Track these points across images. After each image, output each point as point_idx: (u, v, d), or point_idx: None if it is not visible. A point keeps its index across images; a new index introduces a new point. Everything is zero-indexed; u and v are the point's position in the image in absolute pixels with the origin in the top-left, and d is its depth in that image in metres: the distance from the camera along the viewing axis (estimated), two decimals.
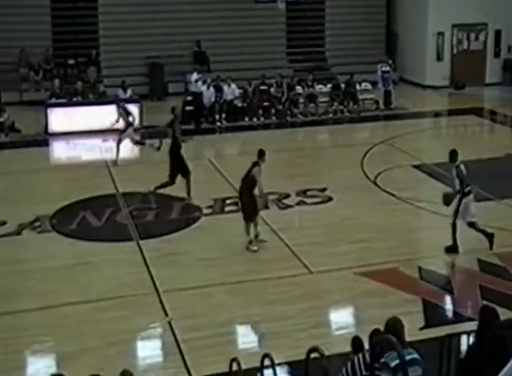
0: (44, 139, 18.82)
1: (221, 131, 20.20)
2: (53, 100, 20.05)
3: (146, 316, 9.62)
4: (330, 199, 14.02)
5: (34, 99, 21.67)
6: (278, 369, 7.09)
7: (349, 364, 6.10)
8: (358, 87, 22.53)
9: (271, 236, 12.12)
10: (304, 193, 14.32)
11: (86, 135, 18.54)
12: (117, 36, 23.88)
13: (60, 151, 18.73)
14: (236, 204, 13.74)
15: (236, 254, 11.45)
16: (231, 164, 16.53)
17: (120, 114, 16.54)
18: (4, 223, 12.68)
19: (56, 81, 21.28)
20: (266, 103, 21.30)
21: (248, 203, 11.66)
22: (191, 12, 24.37)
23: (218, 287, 10.39)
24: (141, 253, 11.58)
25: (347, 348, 6.58)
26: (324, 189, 14.47)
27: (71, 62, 23.81)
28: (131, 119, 16.48)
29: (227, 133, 20.17)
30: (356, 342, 6.43)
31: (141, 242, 11.99)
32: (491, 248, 11.34)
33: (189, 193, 13.66)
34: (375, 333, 6.16)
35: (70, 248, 11.98)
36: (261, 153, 11.68)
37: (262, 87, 21.45)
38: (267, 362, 6.97)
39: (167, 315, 9.55)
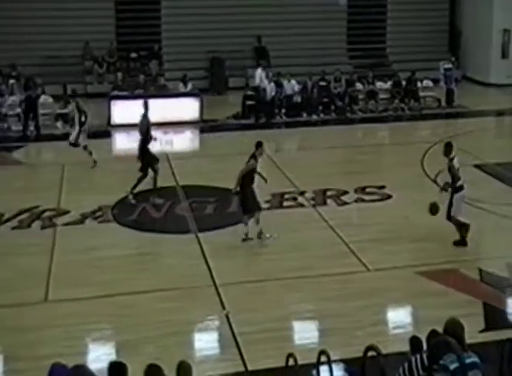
0: (106, 130, 19.20)
1: (280, 127, 20.24)
2: (116, 93, 20.42)
3: (204, 308, 9.74)
4: (389, 197, 13.92)
5: (98, 91, 22.16)
6: (334, 366, 7.12)
7: (406, 364, 6.08)
8: (419, 84, 22.24)
9: (328, 233, 12.13)
10: (362, 190, 14.25)
11: None
12: (179, 30, 24.13)
13: (122, 143, 19.09)
14: (294, 199, 13.83)
15: (293, 250, 11.47)
16: (289, 160, 16.59)
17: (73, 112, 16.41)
18: (68, 212, 13.02)
19: (119, 74, 21.67)
20: (325, 99, 21.26)
21: (246, 197, 11.63)
22: (252, 7, 24.43)
23: (275, 281, 10.44)
24: (199, 245, 11.73)
25: (405, 348, 6.56)
26: (383, 187, 14.37)
27: (134, 55, 24.17)
28: (83, 119, 16.21)
29: (286, 128, 20.20)
30: (414, 342, 6.40)
31: (199, 234, 12.14)
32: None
33: (134, 187, 13.51)
34: (433, 334, 6.12)
35: (130, 239, 12.23)
36: (258, 145, 11.72)
37: (322, 83, 21.40)
38: (323, 358, 7.04)
39: (224, 308, 9.66)
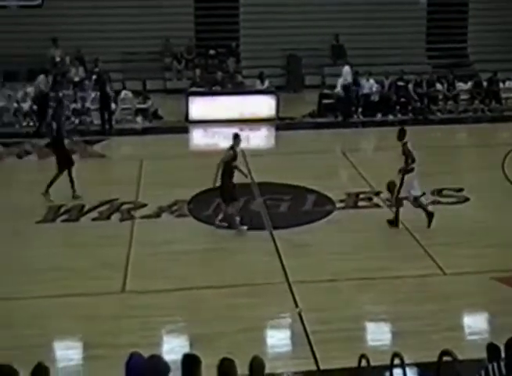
0: (184, 126, 19.49)
1: (356, 126, 20.09)
2: (194, 89, 20.73)
3: (276, 305, 9.77)
4: (467, 199, 13.64)
5: (176, 88, 22.52)
6: (407, 369, 7.03)
7: (483, 372, 5.94)
8: (501, 85, 21.68)
9: (403, 235, 11.98)
10: (439, 192, 14.01)
11: (224, 123, 19.00)
12: (256, 28, 24.24)
13: (199, 138, 19.35)
14: (369, 199, 13.72)
15: (367, 250, 11.39)
16: (365, 160, 16.45)
17: None
18: (145, 205, 13.29)
19: (197, 71, 21.99)
20: (403, 99, 20.97)
21: (226, 187, 12.05)
22: (330, 6, 24.33)
23: (348, 281, 10.38)
24: (273, 242, 11.77)
25: (481, 355, 6.41)
26: (461, 190, 14.09)
27: (212, 52, 24.43)
28: None
29: (363, 127, 20.05)
30: (492, 349, 6.25)
31: (274, 231, 12.19)
32: (428, 226, 12.06)
33: (72, 185, 13.57)
34: None
35: (205, 233, 12.37)
36: (235, 137, 12.39)
37: (400, 82, 21.11)
38: (396, 361, 6.96)
39: (297, 306, 9.67)
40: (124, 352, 6.06)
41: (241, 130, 18.52)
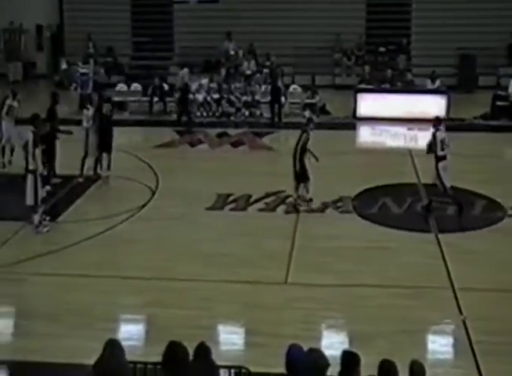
0: (351, 122, 19.46)
1: None
2: (362, 86, 20.63)
3: (439, 310, 9.53)
4: None
5: (345, 84, 22.52)
6: None
7: None
8: None
9: None
10: None
11: (392, 122, 18.76)
12: (429, 25, 23.72)
13: (366, 136, 19.25)
14: None
15: None
16: None
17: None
18: (310, 200, 13.44)
19: (367, 68, 21.87)
20: None
21: (305, 167, 13.02)
22: (508, 2, 23.27)
23: None
24: (439, 246, 11.49)
25: None
26: None
27: (382, 49, 24.23)
28: None
29: None
30: None
31: (439, 235, 11.90)
32: None
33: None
34: None
35: (368, 231, 12.30)
36: (309, 120, 13.58)
37: None
38: None
39: (461, 313, 9.38)
40: (283, 342, 6.19)
41: (409, 129, 18.34)
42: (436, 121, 13.01)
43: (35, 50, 26.06)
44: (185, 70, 20.12)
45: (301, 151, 12.97)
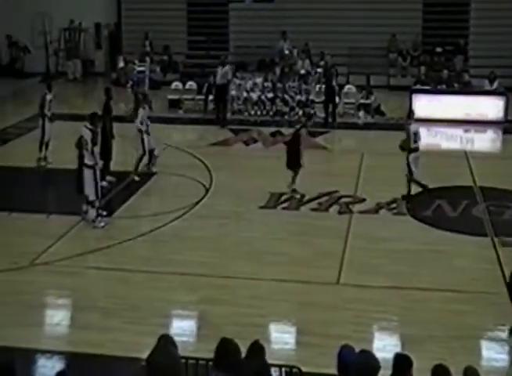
0: (406, 123, 19.15)
1: None
2: (418, 87, 20.38)
3: (495, 317, 9.35)
4: None
5: (400, 85, 22.29)
6: None
7: None
8: None
9: None
10: None
11: (448, 123, 18.52)
12: (487, 25, 23.23)
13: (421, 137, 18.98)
14: None
15: None
16: None
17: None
18: (364, 200, 13.37)
19: (422, 68, 21.60)
20: None
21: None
22: None
23: None
24: (495, 250, 11.31)
25: None
26: None
27: (438, 50, 23.85)
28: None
29: None
30: None
31: (496, 239, 11.69)
32: None
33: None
34: None
35: (422, 234, 12.17)
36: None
37: None
38: None
39: None
40: (334, 342, 6.19)
41: (466, 131, 18.07)
42: (410, 114, 13.94)
43: (94, 48, 26.55)
44: (227, 67, 20.11)
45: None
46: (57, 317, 9.67)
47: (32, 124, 17.18)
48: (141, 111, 14.85)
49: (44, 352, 8.56)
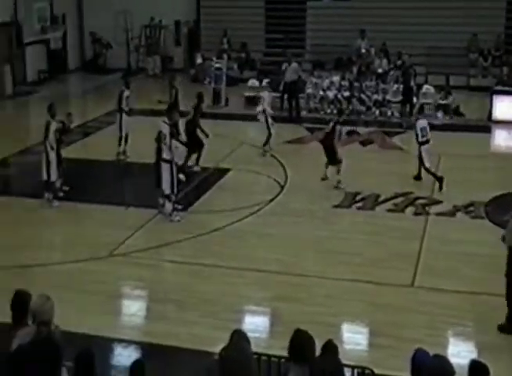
0: (486, 125, 18.82)
1: None
2: (500, 87, 19.88)
3: None
4: None
5: (481, 85, 21.80)
6: None
7: None
8: None
9: None
10: None
11: None
12: None
13: (501, 139, 18.57)
14: None
15: None
16: None
17: None
18: (440, 202, 13.16)
19: (505, 69, 21.07)
20: None
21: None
22: None
23: None
24: None
25: None
26: None
27: None
28: None
29: None
30: None
31: None
32: None
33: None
34: None
35: (500, 238, 11.86)
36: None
37: None
38: None
39: None
40: (407, 345, 6.15)
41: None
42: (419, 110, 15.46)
43: (173, 45, 26.98)
44: (294, 64, 20.00)
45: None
46: (134, 308, 9.92)
47: (111, 118, 17.61)
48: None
49: (120, 340, 8.80)
